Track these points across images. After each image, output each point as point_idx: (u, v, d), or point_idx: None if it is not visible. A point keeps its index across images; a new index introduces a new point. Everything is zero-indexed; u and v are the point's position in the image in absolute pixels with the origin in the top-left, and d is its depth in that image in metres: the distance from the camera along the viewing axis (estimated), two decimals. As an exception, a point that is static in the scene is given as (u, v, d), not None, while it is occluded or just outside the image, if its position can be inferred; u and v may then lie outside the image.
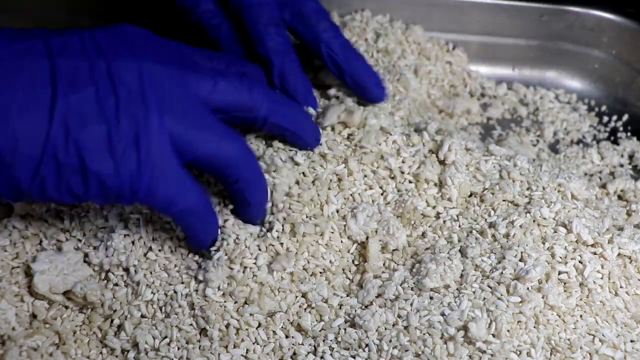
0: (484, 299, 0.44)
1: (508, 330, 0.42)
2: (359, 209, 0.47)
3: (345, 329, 0.43)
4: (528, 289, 0.44)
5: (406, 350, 0.41)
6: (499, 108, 0.67)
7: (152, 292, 0.42)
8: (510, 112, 0.68)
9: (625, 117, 0.67)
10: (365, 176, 0.49)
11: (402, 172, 0.50)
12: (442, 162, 0.51)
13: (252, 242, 0.44)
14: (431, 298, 0.44)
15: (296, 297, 0.44)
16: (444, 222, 0.49)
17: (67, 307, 0.43)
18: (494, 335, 0.41)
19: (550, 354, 0.42)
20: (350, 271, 0.47)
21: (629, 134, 0.66)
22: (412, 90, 0.61)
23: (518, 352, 0.41)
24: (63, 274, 0.42)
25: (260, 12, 0.50)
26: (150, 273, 0.43)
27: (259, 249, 0.44)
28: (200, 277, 0.42)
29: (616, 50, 0.68)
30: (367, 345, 0.42)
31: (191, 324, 0.42)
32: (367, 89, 0.53)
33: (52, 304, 0.42)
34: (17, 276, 0.43)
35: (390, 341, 0.42)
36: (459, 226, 0.49)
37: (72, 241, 0.44)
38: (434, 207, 0.50)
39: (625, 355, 0.42)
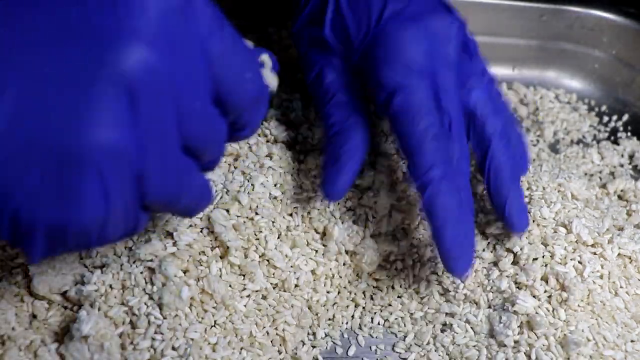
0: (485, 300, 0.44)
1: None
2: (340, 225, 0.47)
3: None
4: (527, 289, 0.44)
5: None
6: (499, 108, 0.67)
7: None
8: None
9: (625, 117, 0.67)
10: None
11: (404, 172, 0.50)
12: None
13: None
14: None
15: None
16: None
17: (65, 308, 0.43)
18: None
19: (551, 354, 0.42)
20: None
21: (629, 134, 0.66)
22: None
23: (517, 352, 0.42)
24: (61, 273, 0.42)
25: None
26: (141, 273, 0.42)
27: None
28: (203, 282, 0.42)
29: (616, 50, 0.68)
30: None
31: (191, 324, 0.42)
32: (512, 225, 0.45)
33: (51, 304, 0.42)
34: (17, 276, 0.43)
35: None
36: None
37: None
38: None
39: (626, 355, 0.42)
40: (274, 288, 0.44)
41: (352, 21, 0.44)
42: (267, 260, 0.44)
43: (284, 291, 0.44)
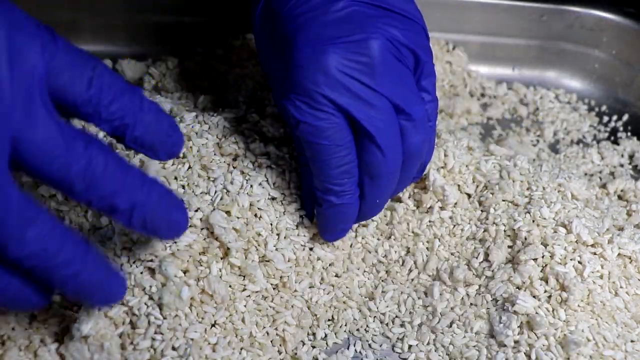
0: (485, 301, 0.44)
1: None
2: None
3: None
4: (527, 289, 0.44)
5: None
6: (499, 108, 0.67)
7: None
8: (510, 112, 0.68)
9: (625, 117, 0.67)
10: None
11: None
12: (443, 167, 0.50)
13: None
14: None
15: None
16: (443, 222, 0.49)
17: (66, 307, 0.43)
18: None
19: (551, 354, 0.42)
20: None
21: (629, 134, 0.66)
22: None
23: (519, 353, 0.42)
24: (62, 274, 0.42)
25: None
26: (141, 273, 0.42)
27: None
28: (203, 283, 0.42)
29: (616, 50, 0.68)
30: None
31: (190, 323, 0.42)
32: None
33: (51, 304, 0.42)
34: (17, 276, 0.43)
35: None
36: (460, 229, 0.49)
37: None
38: (431, 207, 0.50)
39: (626, 355, 0.42)
40: (274, 289, 0.44)
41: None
42: (268, 261, 0.44)
43: (284, 292, 0.44)
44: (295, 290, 0.45)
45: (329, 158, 0.41)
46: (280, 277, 0.44)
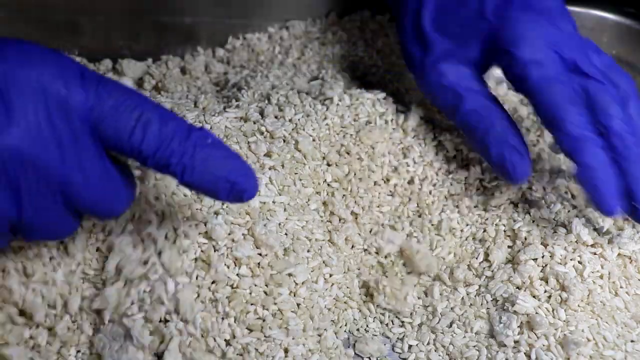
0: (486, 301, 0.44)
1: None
2: None
3: None
4: (527, 289, 0.44)
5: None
6: (499, 108, 0.67)
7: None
8: (510, 112, 0.68)
9: (625, 117, 0.66)
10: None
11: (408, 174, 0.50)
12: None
13: None
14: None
15: None
16: (443, 220, 0.49)
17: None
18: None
19: (551, 354, 0.42)
20: None
21: (629, 134, 0.65)
22: (413, 90, 0.61)
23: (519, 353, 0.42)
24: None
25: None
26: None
27: None
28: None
29: (616, 50, 0.68)
30: None
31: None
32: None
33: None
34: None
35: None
36: (460, 229, 0.49)
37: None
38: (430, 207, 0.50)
39: (626, 355, 0.42)
40: None
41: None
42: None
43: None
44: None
45: (563, 88, 0.44)
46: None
